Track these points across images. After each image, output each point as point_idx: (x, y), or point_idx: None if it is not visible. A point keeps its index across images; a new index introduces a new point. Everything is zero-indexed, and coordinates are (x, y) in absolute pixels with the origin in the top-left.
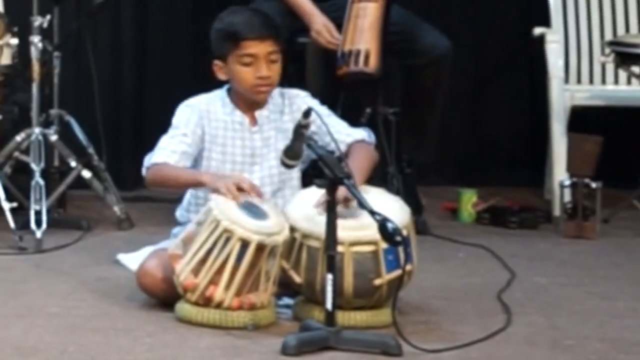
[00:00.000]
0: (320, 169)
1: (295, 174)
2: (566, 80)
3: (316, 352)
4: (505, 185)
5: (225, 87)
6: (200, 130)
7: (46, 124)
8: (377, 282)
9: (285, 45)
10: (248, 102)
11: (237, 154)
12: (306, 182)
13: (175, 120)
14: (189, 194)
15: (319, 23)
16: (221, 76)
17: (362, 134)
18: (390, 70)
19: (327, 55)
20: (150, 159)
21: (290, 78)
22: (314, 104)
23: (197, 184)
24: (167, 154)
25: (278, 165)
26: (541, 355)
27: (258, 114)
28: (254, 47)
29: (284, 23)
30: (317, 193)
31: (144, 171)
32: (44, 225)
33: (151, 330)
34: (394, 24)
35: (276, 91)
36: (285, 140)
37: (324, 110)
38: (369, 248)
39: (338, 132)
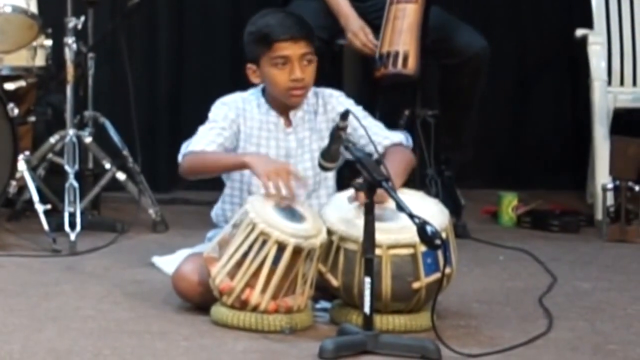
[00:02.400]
0: (357, 171)
1: (331, 173)
2: (609, 82)
3: (354, 356)
4: (547, 188)
5: (261, 86)
6: (237, 128)
7: (80, 125)
8: (416, 285)
9: (324, 47)
10: (282, 104)
11: (272, 154)
12: (341, 184)
13: (212, 115)
14: (224, 194)
15: (356, 25)
16: (255, 80)
17: (399, 137)
18: (429, 72)
19: (365, 58)
20: (187, 147)
21: (328, 79)
22: (349, 104)
23: (240, 166)
24: (206, 142)
25: (313, 166)
26: None
27: (292, 114)
28: (287, 49)
29: (324, 24)
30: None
31: (180, 158)
32: (78, 228)
33: (187, 333)
34: (430, 23)
35: (310, 91)
36: (319, 140)
37: (359, 111)
38: (407, 251)
39: (375, 134)
